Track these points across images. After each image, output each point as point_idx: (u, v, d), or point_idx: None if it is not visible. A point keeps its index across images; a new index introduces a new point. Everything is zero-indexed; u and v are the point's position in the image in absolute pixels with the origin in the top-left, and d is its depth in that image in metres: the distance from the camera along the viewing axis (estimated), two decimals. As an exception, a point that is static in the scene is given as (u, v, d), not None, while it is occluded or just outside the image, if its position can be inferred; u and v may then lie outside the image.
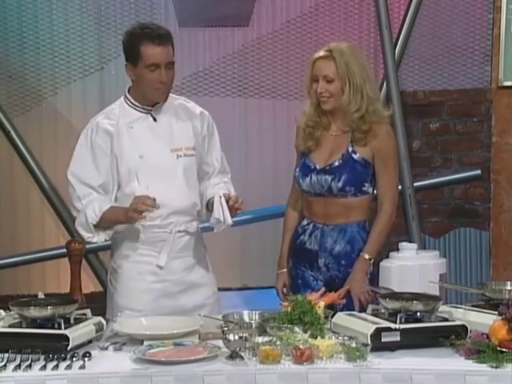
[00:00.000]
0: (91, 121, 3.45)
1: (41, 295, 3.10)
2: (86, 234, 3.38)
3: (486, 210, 5.26)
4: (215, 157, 3.55)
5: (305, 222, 3.64)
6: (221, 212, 3.29)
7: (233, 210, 3.30)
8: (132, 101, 3.42)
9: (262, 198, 5.22)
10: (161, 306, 3.34)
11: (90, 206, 3.33)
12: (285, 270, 3.70)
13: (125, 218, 3.27)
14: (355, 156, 3.52)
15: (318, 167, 3.56)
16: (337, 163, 3.53)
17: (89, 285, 5.02)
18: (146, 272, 3.39)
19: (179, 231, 3.39)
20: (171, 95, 3.48)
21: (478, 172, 5.24)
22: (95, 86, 5.19)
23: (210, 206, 3.41)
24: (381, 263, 3.35)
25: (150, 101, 3.40)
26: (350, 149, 3.53)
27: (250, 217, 5.10)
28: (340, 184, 3.50)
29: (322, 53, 3.52)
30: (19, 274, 5.23)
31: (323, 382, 2.55)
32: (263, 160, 5.30)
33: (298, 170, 3.63)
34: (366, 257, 3.48)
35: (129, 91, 3.44)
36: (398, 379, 2.56)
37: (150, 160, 3.37)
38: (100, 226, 3.35)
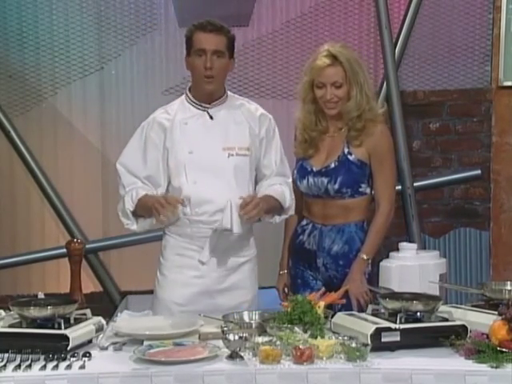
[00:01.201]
0: (151, 116, 3.50)
1: (41, 295, 3.10)
2: (124, 221, 3.42)
3: (486, 210, 5.26)
4: (274, 160, 3.54)
5: (304, 222, 3.64)
6: (228, 218, 3.27)
7: (242, 218, 3.28)
8: (191, 97, 3.47)
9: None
10: (198, 301, 3.36)
11: (129, 194, 3.37)
12: (286, 270, 3.71)
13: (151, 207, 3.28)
14: (351, 157, 3.53)
15: (314, 169, 3.57)
16: (333, 165, 3.54)
17: (89, 285, 5.03)
18: (188, 266, 3.41)
19: (226, 229, 3.34)
20: (234, 95, 3.54)
21: (478, 172, 5.24)
22: (95, 86, 5.19)
23: None
24: (381, 263, 3.35)
25: (201, 92, 3.43)
26: (346, 150, 3.54)
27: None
28: (336, 186, 3.51)
29: (327, 60, 3.49)
30: (19, 274, 5.23)
31: (323, 382, 2.55)
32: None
33: (295, 172, 3.64)
34: (364, 257, 3.49)
35: (189, 88, 3.50)
36: (398, 379, 2.56)
37: (200, 156, 3.39)
38: (137, 214, 3.38)
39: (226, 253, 3.42)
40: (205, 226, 3.38)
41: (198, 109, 3.46)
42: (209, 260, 3.39)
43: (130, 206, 3.36)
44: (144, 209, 3.35)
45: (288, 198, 3.49)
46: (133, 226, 3.41)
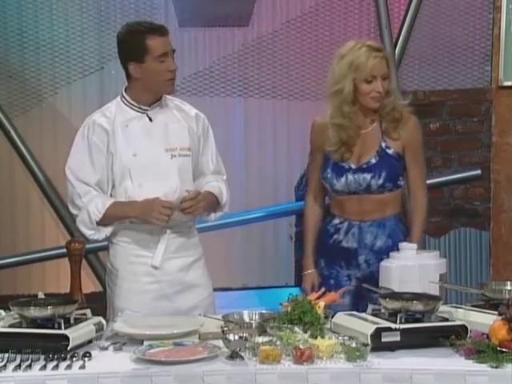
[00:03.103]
0: (87, 119, 3.45)
1: (41, 295, 3.09)
2: (87, 232, 3.38)
3: (486, 209, 5.26)
4: (210, 158, 3.54)
5: (337, 221, 3.62)
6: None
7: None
8: (129, 100, 3.42)
9: (262, 198, 5.22)
10: (157, 307, 3.34)
11: (92, 203, 3.33)
12: (312, 270, 3.68)
13: (141, 214, 3.29)
14: (390, 151, 3.54)
15: (353, 166, 3.55)
16: (374, 160, 3.54)
17: (89, 285, 5.02)
18: (142, 273, 3.39)
19: (174, 231, 3.39)
20: (167, 97, 3.49)
21: (478, 172, 5.24)
22: (95, 86, 5.19)
23: None
24: (381, 263, 3.34)
25: (155, 95, 3.41)
26: (384, 144, 3.55)
27: (251, 217, 5.11)
28: (380, 181, 3.52)
29: (376, 53, 3.51)
30: (19, 274, 5.23)
31: (323, 382, 2.55)
32: (263, 160, 5.30)
33: (329, 171, 3.59)
34: None
35: (125, 91, 3.44)
36: (398, 379, 2.56)
37: (144, 159, 3.36)
38: (101, 222, 3.35)
39: (176, 254, 3.41)
40: (154, 230, 3.36)
41: (137, 111, 3.41)
42: (161, 264, 3.38)
43: (96, 216, 3.33)
44: (113, 217, 3.35)
45: (225, 195, 3.50)
46: (95, 235, 3.38)
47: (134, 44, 3.33)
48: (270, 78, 5.24)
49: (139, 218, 3.32)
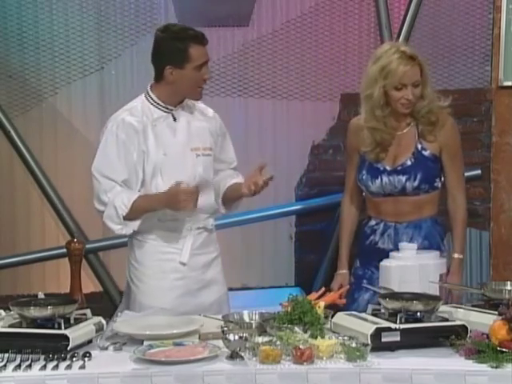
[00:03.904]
0: (113, 118, 3.49)
1: (41, 295, 3.09)
2: (115, 227, 3.40)
3: (486, 210, 5.25)
4: (231, 155, 3.68)
5: (373, 222, 3.62)
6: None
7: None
8: (155, 99, 3.47)
9: (262, 197, 5.20)
10: (183, 303, 3.40)
11: (118, 198, 3.36)
12: (345, 271, 3.68)
13: (168, 203, 3.33)
14: (426, 153, 3.54)
15: (388, 168, 3.55)
16: (409, 162, 3.53)
17: (89, 285, 5.02)
18: (170, 270, 3.44)
19: (198, 228, 3.46)
20: None
21: (478, 172, 5.23)
22: (95, 86, 5.18)
23: (225, 199, 3.58)
24: (381, 263, 3.35)
25: (183, 98, 3.49)
26: (419, 146, 3.54)
27: (251, 217, 5.10)
28: (416, 183, 3.51)
29: (408, 61, 3.49)
30: (19, 274, 5.22)
31: (323, 382, 2.55)
32: (263, 160, 5.28)
33: (364, 172, 3.60)
34: (461, 257, 3.50)
35: (151, 89, 3.49)
36: (398, 379, 2.56)
37: (174, 158, 3.43)
38: (128, 217, 3.38)
39: (200, 250, 3.48)
40: (180, 227, 3.43)
41: (163, 111, 3.47)
42: (189, 260, 3.42)
43: (123, 211, 3.36)
44: (140, 210, 3.37)
45: None
46: (123, 230, 3.41)
47: (175, 49, 3.38)
48: (270, 77, 5.24)
49: (167, 207, 3.35)
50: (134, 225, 3.40)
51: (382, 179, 3.54)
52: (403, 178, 3.51)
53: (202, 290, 3.48)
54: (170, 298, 3.41)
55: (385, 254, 3.54)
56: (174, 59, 3.39)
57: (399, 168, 3.53)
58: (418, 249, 3.47)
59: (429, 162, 3.54)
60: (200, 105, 3.61)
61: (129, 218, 3.38)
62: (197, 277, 3.47)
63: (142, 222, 3.41)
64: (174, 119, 3.48)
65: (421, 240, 3.53)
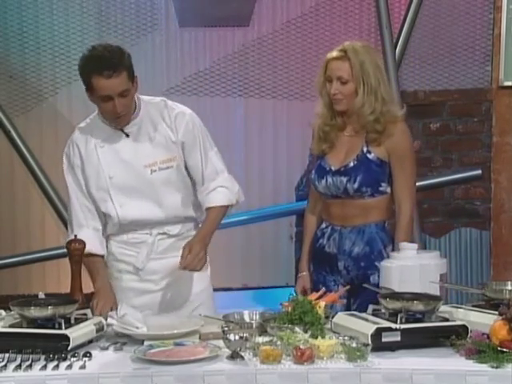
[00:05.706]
0: (70, 139, 3.44)
1: (41, 295, 3.09)
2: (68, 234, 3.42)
3: (487, 210, 5.26)
4: (200, 162, 3.40)
5: (323, 226, 3.59)
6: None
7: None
8: (103, 118, 3.35)
9: (262, 198, 5.22)
10: (145, 302, 3.35)
11: (82, 234, 3.32)
12: (305, 273, 3.64)
13: (95, 293, 3.34)
14: (370, 156, 3.46)
15: (333, 169, 3.50)
16: (352, 164, 3.47)
17: (89, 285, 5.00)
18: (125, 271, 3.42)
19: (159, 233, 3.38)
20: (145, 99, 3.39)
21: (479, 172, 5.24)
22: (95, 86, 5.19)
23: None
24: (381, 263, 3.34)
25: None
26: (365, 149, 3.46)
27: (251, 217, 5.11)
28: (356, 185, 3.44)
29: (335, 53, 3.46)
30: (19, 274, 5.23)
31: (324, 382, 2.55)
32: (263, 160, 5.30)
33: (313, 172, 3.57)
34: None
35: None
36: (398, 379, 2.56)
37: (121, 180, 3.32)
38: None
39: (163, 255, 3.40)
40: (141, 232, 3.38)
41: (113, 128, 3.33)
42: (145, 265, 3.39)
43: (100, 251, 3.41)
44: (88, 270, 3.38)
45: (235, 193, 3.41)
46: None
47: (82, 77, 3.28)
48: (271, 78, 5.25)
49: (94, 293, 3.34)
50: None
51: (327, 179, 3.51)
52: (344, 180, 3.46)
53: (167, 289, 3.38)
54: (127, 298, 3.33)
55: (330, 259, 3.52)
56: (85, 85, 3.27)
57: (342, 169, 3.49)
58: (359, 254, 3.47)
59: (372, 164, 3.46)
60: (164, 108, 3.40)
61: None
62: (159, 279, 3.38)
63: (108, 225, 3.40)
64: (127, 135, 3.34)
65: (362, 245, 3.48)
